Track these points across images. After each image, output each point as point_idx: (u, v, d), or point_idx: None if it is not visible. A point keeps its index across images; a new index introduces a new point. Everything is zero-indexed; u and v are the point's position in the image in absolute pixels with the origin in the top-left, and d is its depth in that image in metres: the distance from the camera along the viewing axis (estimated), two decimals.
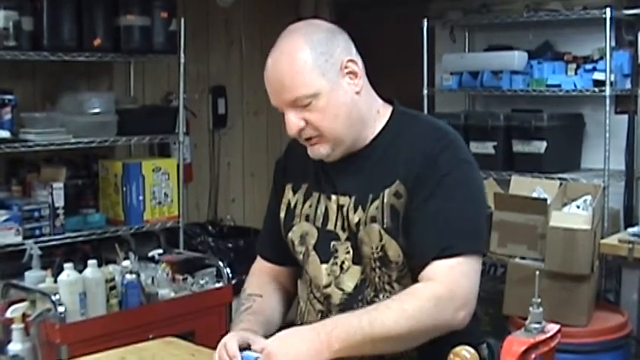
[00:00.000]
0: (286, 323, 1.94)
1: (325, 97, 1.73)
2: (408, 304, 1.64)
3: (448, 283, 1.66)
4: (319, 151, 1.78)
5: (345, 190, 1.82)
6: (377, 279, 1.78)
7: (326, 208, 1.84)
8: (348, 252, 1.80)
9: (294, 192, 1.91)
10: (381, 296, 1.78)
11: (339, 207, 1.82)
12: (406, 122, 1.84)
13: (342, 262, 1.81)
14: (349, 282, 1.80)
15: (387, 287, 1.78)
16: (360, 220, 1.77)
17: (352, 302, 1.79)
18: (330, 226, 1.83)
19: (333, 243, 1.82)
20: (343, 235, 1.81)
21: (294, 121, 1.74)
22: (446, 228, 1.70)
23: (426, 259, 1.69)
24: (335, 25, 1.82)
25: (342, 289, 1.81)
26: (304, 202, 1.89)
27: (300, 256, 1.88)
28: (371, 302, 1.77)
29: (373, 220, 1.76)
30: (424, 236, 1.70)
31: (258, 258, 2.06)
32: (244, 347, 1.69)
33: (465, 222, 1.72)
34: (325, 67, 1.73)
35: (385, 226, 1.74)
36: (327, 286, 1.82)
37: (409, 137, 1.80)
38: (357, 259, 1.79)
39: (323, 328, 1.64)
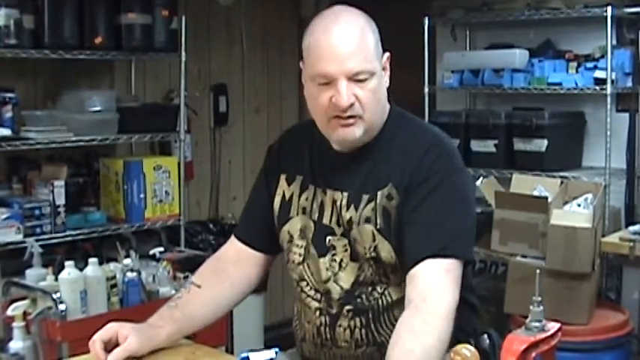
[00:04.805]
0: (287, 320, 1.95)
1: (377, 79, 1.75)
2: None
3: (443, 309, 1.62)
4: (354, 132, 1.76)
5: (339, 185, 1.83)
6: (372, 274, 1.79)
7: (322, 202, 1.85)
8: (346, 250, 1.81)
9: (289, 183, 1.92)
10: (378, 288, 1.80)
11: (333, 202, 1.83)
12: (402, 125, 1.85)
13: (341, 260, 1.82)
14: (347, 278, 1.81)
15: (383, 279, 1.80)
16: (352, 218, 1.79)
17: (350, 298, 1.81)
18: (326, 221, 1.84)
19: (329, 238, 1.83)
20: (339, 231, 1.82)
21: (349, 93, 1.71)
22: (439, 230, 1.71)
23: (418, 258, 1.69)
24: None
25: (340, 286, 1.82)
26: (300, 194, 1.89)
27: (301, 250, 1.88)
28: (369, 296, 1.80)
29: (367, 220, 1.77)
30: (418, 236, 1.71)
31: (231, 240, 2.04)
32: (117, 344, 1.77)
33: (458, 227, 1.74)
34: (379, 53, 1.77)
35: (378, 227, 1.76)
36: (327, 281, 1.83)
37: (404, 141, 1.81)
38: (355, 256, 1.81)
39: None
